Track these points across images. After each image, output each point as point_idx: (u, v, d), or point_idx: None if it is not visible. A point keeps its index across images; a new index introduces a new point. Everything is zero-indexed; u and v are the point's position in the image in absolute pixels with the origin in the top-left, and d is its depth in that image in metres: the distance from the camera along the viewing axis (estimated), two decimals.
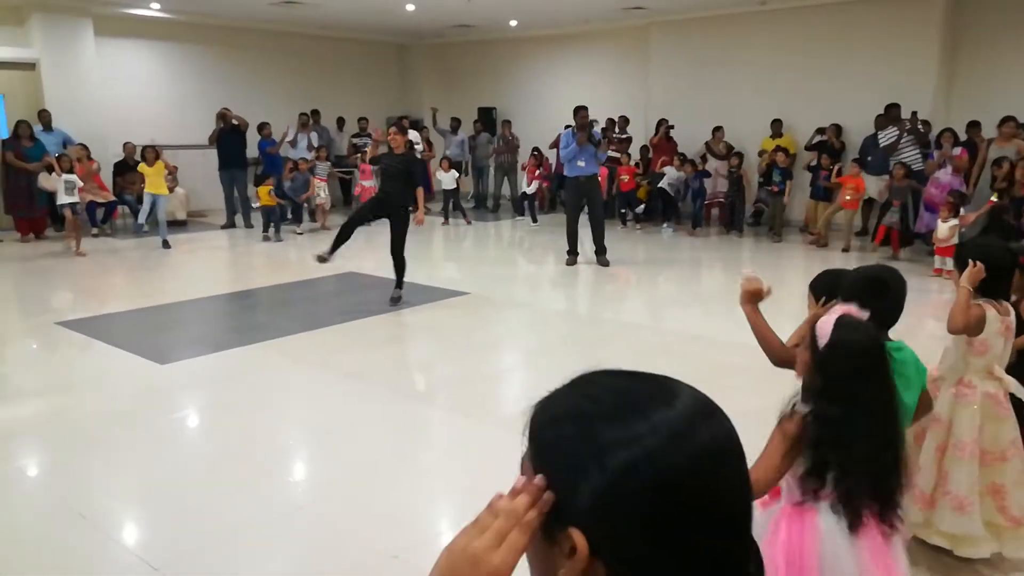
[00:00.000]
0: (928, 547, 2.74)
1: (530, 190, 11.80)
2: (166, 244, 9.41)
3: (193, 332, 6.08)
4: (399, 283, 6.67)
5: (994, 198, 7.53)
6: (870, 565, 1.69)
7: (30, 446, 3.97)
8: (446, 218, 11.87)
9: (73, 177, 9.18)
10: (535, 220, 11.77)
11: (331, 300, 7.03)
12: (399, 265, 6.61)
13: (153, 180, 9.32)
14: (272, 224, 10.12)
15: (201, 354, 5.33)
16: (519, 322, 6.51)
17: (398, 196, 6.50)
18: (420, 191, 6.62)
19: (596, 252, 8.43)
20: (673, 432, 0.63)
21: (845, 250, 9.07)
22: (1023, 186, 7.38)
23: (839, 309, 1.82)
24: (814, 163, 10.03)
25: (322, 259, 6.59)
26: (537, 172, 11.91)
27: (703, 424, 0.65)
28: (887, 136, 9.27)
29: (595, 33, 13.30)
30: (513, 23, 13.12)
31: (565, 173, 8.46)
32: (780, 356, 2.19)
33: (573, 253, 8.50)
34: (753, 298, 2.35)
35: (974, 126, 9.06)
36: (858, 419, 1.68)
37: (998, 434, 2.62)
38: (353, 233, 6.60)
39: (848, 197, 9.28)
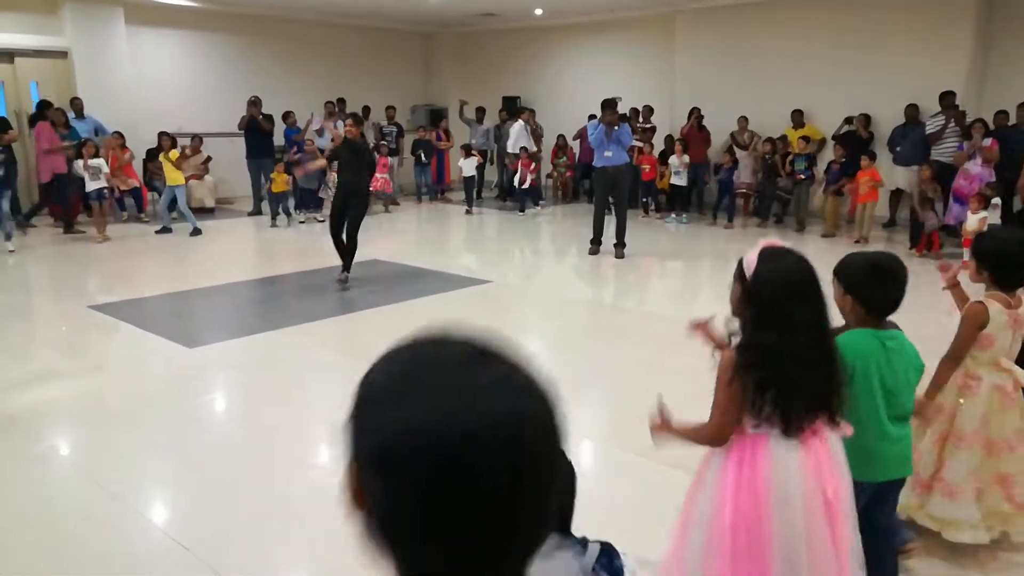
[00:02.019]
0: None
1: (525, 184, 11.72)
2: (196, 231, 9.55)
3: (221, 316, 6.18)
4: (347, 266, 6.83)
5: None
6: (815, 478, 1.78)
7: (62, 427, 4.08)
8: (470, 206, 11.92)
9: (100, 162, 9.32)
10: (523, 210, 11.72)
11: (356, 286, 7.10)
12: (351, 248, 6.79)
13: (170, 169, 9.45)
14: (282, 210, 10.24)
15: (229, 338, 5.43)
16: (541, 311, 6.54)
17: (354, 183, 6.71)
18: (322, 162, 7.19)
19: (615, 244, 8.38)
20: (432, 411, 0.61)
21: (858, 241, 8.97)
22: None
23: (764, 241, 1.86)
24: (839, 159, 9.82)
25: (342, 281, 6.79)
26: (532, 166, 11.85)
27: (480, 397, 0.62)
28: (934, 123, 9.14)
29: (620, 22, 13.20)
30: (538, 11, 13.06)
31: (594, 163, 8.38)
32: (711, 432, 1.92)
33: (596, 243, 8.48)
34: (664, 429, 2.10)
35: (1003, 115, 8.87)
36: (789, 338, 1.75)
37: (1004, 424, 2.66)
38: (343, 240, 6.79)
39: (863, 191, 9.13)
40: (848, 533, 1.84)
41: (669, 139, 11.71)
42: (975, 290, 2.77)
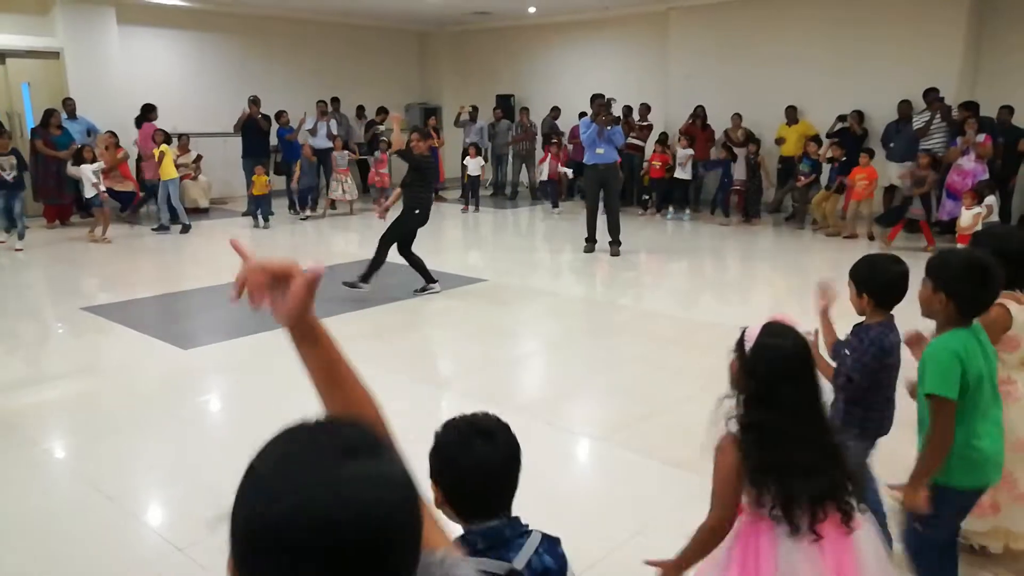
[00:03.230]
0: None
1: (543, 176, 11.80)
2: (186, 228, 9.51)
3: (215, 317, 6.15)
4: (367, 277, 6.54)
5: None
6: (828, 569, 1.68)
7: (56, 429, 4.06)
8: (476, 206, 11.92)
9: (98, 166, 9.28)
10: (556, 205, 11.77)
11: (352, 288, 7.07)
12: (379, 257, 6.55)
13: (164, 163, 9.40)
14: (261, 213, 10.16)
15: (223, 339, 5.41)
16: (537, 309, 6.53)
17: (415, 198, 6.51)
18: (396, 192, 6.72)
19: (609, 242, 8.35)
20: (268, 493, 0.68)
21: (871, 239, 8.93)
22: None
23: (768, 317, 1.83)
24: (830, 156, 9.83)
25: (425, 289, 6.65)
26: (552, 156, 11.90)
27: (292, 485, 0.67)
28: (919, 119, 9.16)
29: (614, 19, 13.20)
30: (532, 10, 13.06)
31: (584, 160, 8.38)
32: (711, 524, 1.86)
33: (591, 241, 8.47)
34: (668, 569, 2.01)
35: (1007, 110, 8.88)
36: (787, 421, 1.70)
37: (1019, 425, 2.59)
38: (413, 254, 6.64)
39: (858, 187, 9.14)
40: None
41: (664, 136, 11.70)
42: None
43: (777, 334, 1.78)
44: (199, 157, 11.09)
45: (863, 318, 2.47)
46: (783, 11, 10.87)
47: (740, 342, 1.82)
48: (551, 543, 1.50)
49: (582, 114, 12.64)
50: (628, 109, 11.74)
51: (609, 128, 8.00)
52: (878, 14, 10.03)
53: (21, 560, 2.82)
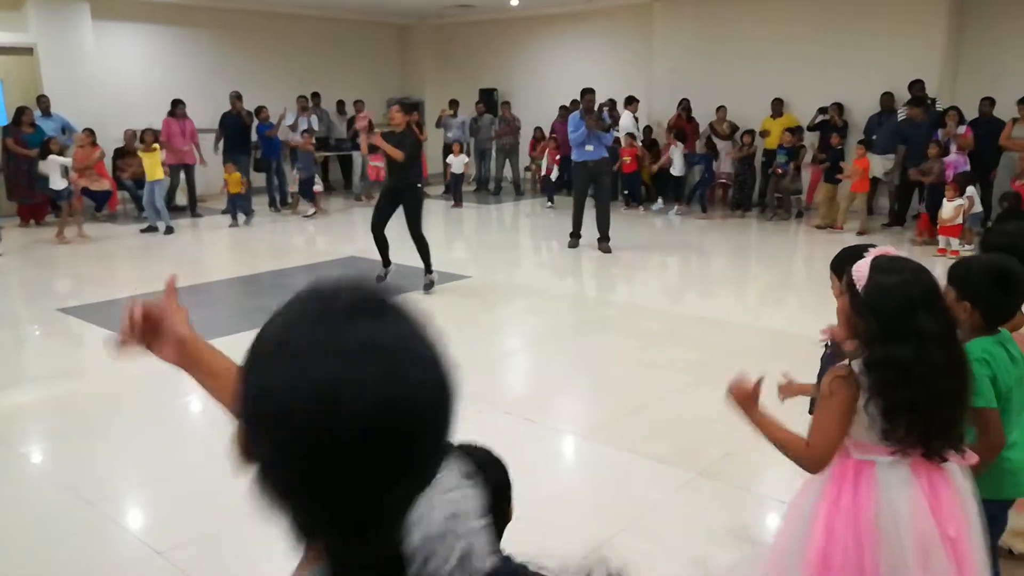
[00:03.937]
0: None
1: (553, 175, 11.67)
2: (169, 230, 9.40)
3: (195, 317, 5.93)
4: (428, 267, 6.48)
5: None
6: (933, 514, 1.66)
7: (33, 432, 3.98)
8: (459, 202, 11.87)
9: (67, 160, 9.11)
10: (551, 200, 11.71)
11: (370, 281, 7.02)
12: (422, 247, 6.45)
13: (151, 165, 9.27)
14: (240, 211, 10.03)
15: (205, 339, 5.32)
16: (521, 306, 6.50)
17: (404, 177, 6.40)
18: (398, 152, 6.37)
19: (599, 239, 8.24)
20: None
21: (861, 233, 8.93)
22: None
23: (874, 251, 1.74)
24: (825, 153, 9.80)
25: (381, 278, 6.50)
26: (551, 152, 11.85)
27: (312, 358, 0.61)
28: (903, 111, 9.23)
29: (598, 12, 13.16)
30: (514, 2, 12.99)
31: (573, 157, 8.29)
32: (812, 454, 1.75)
33: (576, 236, 8.40)
34: (747, 400, 1.93)
35: (988, 102, 8.94)
36: (925, 352, 1.62)
37: None
38: (385, 235, 6.53)
39: (854, 179, 9.17)
40: (975, 565, 1.70)
41: (648, 129, 11.70)
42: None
43: (893, 266, 1.69)
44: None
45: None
46: (768, 4, 10.88)
47: (850, 282, 1.73)
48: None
49: (563, 108, 12.67)
50: (612, 102, 11.71)
51: (604, 132, 7.97)
52: (861, 6, 10.06)
53: None
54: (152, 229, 9.43)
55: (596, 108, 8.00)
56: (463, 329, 5.76)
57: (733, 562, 2.64)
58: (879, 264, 1.70)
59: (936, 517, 1.67)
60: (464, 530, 0.73)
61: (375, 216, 6.50)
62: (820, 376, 2.50)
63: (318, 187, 11.11)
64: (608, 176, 8.46)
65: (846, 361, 1.73)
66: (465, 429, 3.40)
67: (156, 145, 9.36)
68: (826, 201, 9.56)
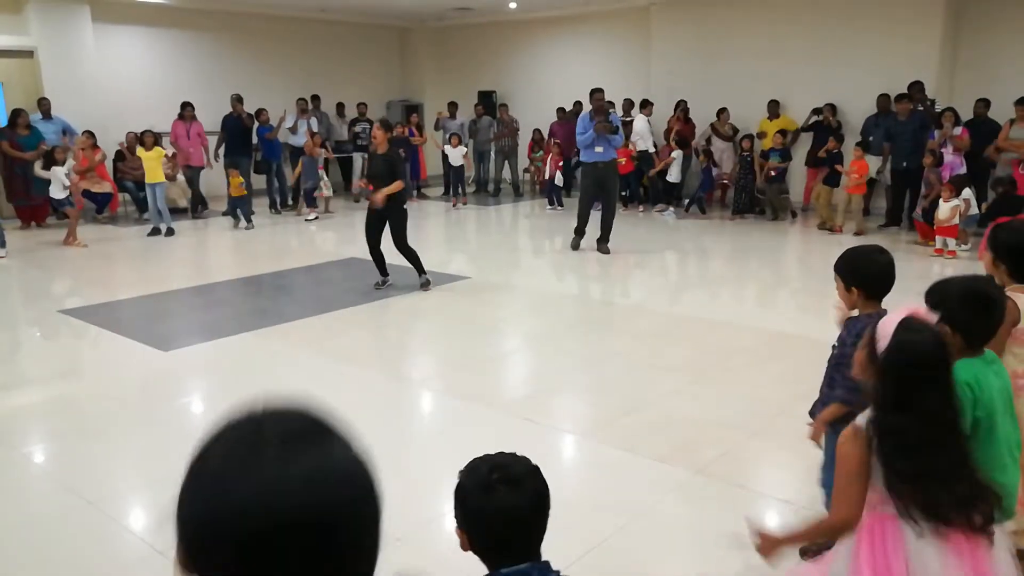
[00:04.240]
0: None
1: (558, 180, 11.63)
2: (170, 231, 9.43)
3: (196, 319, 6.10)
4: (420, 271, 6.68)
5: None
6: (959, 569, 1.64)
7: (35, 433, 4.01)
8: (463, 195, 11.89)
9: (69, 166, 9.10)
10: (552, 203, 11.65)
11: (333, 286, 7.05)
12: (410, 257, 6.63)
13: (151, 167, 9.30)
14: (242, 213, 10.06)
15: (204, 340, 5.36)
16: (521, 306, 6.52)
17: (390, 196, 6.44)
18: (399, 183, 6.53)
19: (599, 239, 8.23)
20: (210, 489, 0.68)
21: (858, 234, 8.95)
22: None
23: (904, 310, 1.72)
24: (825, 153, 9.81)
25: (379, 285, 6.67)
26: (553, 157, 11.86)
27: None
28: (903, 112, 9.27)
29: (595, 15, 13.20)
30: (512, 5, 13.03)
31: (581, 159, 8.21)
32: (839, 518, 1.75)
33: (580, 234, 8.33)
34: (775, 542, 1.93)
35: (983, 103, 8.98)
36: (925, 426, 1.63)
37: None
38: (380, 251, 6.64)
39: (852, 183, 9.19)
40: None
41: None
42: None
43: (917, 332, 1.67)
44: (175, 155, 10.98)
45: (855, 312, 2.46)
46: (763, 6, 10.92)
47: (872, 337, 1.72)
48: None
49: (560, 110, 12.70)
50: (611, 104, 11.73)
51: (612, 135, 7.89)
52: (858, 7, 10.10)
53: (0, 566, 2.78)
54: (157, 231, 9.46)
55: (605, 108, 7.89)
56: (462, 329, 5.79)
57: None
58: (906, 326, 1.68)
59: (967, 567, 1.66)
60: None
61: (368, 236, 6.62)
62: (827, 374, 2.51)
63: (326, 191, 11.15)
64: (616, 179, 8.38)
65: (856, 421, 1.72)
66: (462, 425, 3.49)
67: (157, 147, 9.38)
68: (825, 203, 9.58)
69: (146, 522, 3.14)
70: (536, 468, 1.49)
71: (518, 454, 1.51)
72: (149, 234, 9.46)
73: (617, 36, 13.04)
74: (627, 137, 10.94)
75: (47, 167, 9.03)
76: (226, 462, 0.68)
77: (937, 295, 2.04)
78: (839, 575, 1.79)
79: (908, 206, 9.15)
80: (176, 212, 10.56)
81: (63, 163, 9.04)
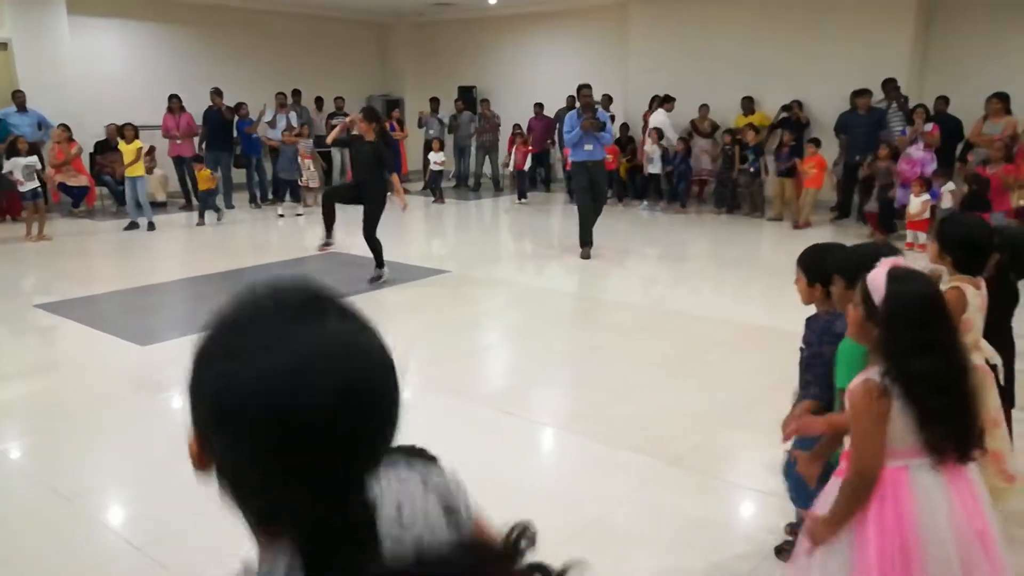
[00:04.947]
0: None
1: (527, 166, 11.81)
2: (151, 226, 9.35)
3: (174, 313, 6.06)
4: (379, 262, 6.67)
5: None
6: (964, 513, 1.70)
7: (11, 428, 3.97)
8: (437, 197, 11.92)
9: (32, 160, 8.92)
10: (522, 196, 11.81)
11: (315, 280, 7.03)
12: (373, 246, 6.61)
13: (130, 159, 9.20)
14: (211, 208, 9.96)
15: (183, 335, 5.32)
16: (501, 300, 6.55)
17: (371, 183, 6.46)
18: (395, 177, 6.60)
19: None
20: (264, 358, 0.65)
21: (799, 226, 9.25)
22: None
23: (887, 261, 1.76)
24: (776, 144, 10.00)
25: (326, 245, 6.64)
26: (526, 148, 11.94)
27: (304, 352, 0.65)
28: (876, 109, 9.47)
29: (574, 11, 13.23)
30: (492, 1, 13.02)
31: (571, 158, 7.97)
32: (858, 474, 1.77)
33: (587, 244, 7.87)
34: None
35: (943, 100, 9.17)
36: (949, 363, 1.68)
37: (987, 402, 2.63)
38: (335, 210, 6.61)
39: (809, 175, 9.34)
40: (1000, 556, 1.75)
41: (625, 127, 11.80)
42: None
43: (909, 278, 1.72)
44: (152, 149, 10.88)
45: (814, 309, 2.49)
46: (739, 2, 11.00)
47: (866, 293, 1.74)
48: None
49: (537, 104, 12.73)
50: (609, 99, 11.78)
51: (598, 132, 7.58)
52: (831, 4, 10.21)
53: None
54: (134, 226, 9.37)
55: (592, 105, 7.64)
56: (442, 323, 5.80)
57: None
58: (896, 276, 1.72)
59: (967, 514, 1.72)
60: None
61: (330, 193, 6.58)
62: (800, 376, 2.55)
63: (312, 183, 11.09)
64: (606, 178, 8.07)
65: (869, 372, 1.74)
66: (442, 419, 3.52)
67: (137, 140, 9.28)
68: (779, 196, 9.74)
69: (123, 517, 3.14)
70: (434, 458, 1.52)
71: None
72: (126, 228, 9.38)
73: (596, 32, 13.08)
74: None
75: (9, 156, 8.87)
76: (264, 330, 0.66)
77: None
78: (847, 533, 1.79)
79: (860, 200, 9.37)
80: (155, 206, 10.47)
81: (25, 153, 8.87)
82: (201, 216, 9.93)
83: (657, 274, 7.67)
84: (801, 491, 2.37)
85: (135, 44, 11.92)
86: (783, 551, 2.63)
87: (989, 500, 1.81)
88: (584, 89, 7.64)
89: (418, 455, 0.97)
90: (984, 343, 2.70)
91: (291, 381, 0.63)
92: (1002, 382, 2.71)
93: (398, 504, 0.78)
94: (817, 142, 9.51)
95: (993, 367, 2.69)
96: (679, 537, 2.89)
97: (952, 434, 1.69)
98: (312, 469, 0.65)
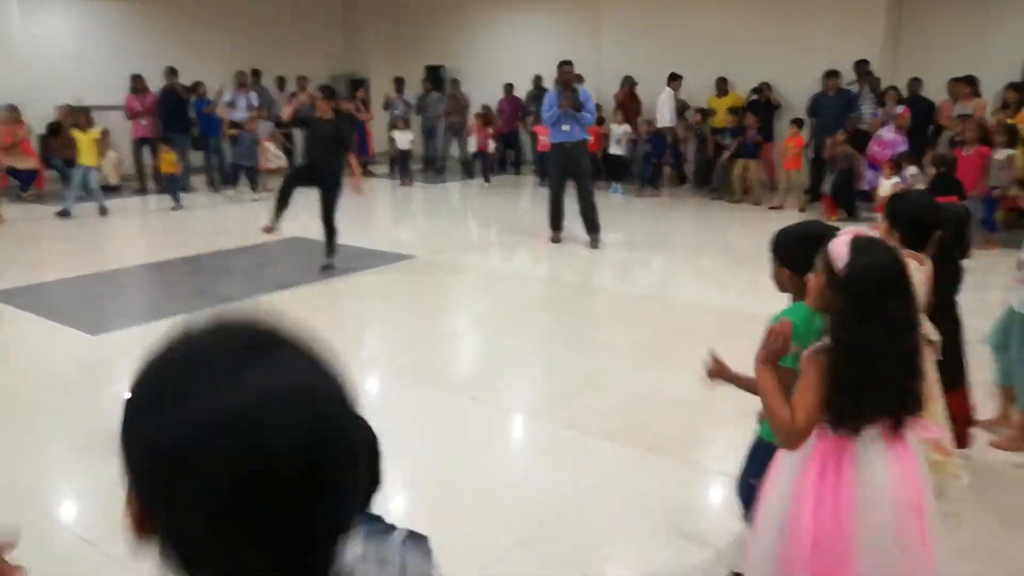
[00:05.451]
0: None
1: (491, 148, 11.68)
2: (104, 211, 9.01)
3: (128, 301, 5.83)
4: (331, 250, 6.43)
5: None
6: (903, 482, 1.73)
7: None
8: (410, 181, 11.70)
9: None
10: (487, 180, 11.67)
11: (274, 266, 6.83)
12: (330, 232, 6.39)
13: (87, 149, 8.84)
14: (171, 192, 9.59)
15: (137, 323, 5.11)
16: (468, 286, 6.42)
17: (329, 163, 6.23)
18: (352, 156, 6.38)
19: (587, 231, 7.50)
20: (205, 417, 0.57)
21: (774, 207, 9.28)
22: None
23: (847, 232, 1.78)
24: (753, 126, 9.99)
25: (268, 229, 6.39)
26: (478, 128, 11.81)
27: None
28: (853, 87, 9.50)
29: None
30: None
31: (549, 139, 7.66)
32: (795, 427, 1.75)
33: (557, 229, 7.64)
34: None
35: (917, 82, 9.22)
36: (886, 336, 1.69)
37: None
38: (290, 198, 6.38)
39: (789, 156, 9.35)
40: (933, 530, 1.79)
41: (597, 107, 11.67)
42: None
43: (872, 247, 1.74)
44: (106, 132, 10.48)
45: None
46: None
47: (827, 260, 1.76)
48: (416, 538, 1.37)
49: (508, 85, 12.55)
50: (579, 78, 11.58)
51: (576, 112, 7.24)
52: None
53: None
54: (66, 214, 8.95)
55: (573, 83, 7.33)
56: (409, 309, 5.67)
57: (723, 547, 2.65)
58: (858, 245, 1.73)
59: (906, 487, 1.75)
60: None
61: (288, 181, 6.36)
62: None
63: (274, 163, 10.79)
64: (588, 160, 7.62)
65: (824, 339, 1.76)
66: (408, 407, 3.35)
67: (93, 129, 8.92)
68: (740, 177, 9.76)
69: (75, 512, 3.01)
70: (363, 422, 1.48)
71: None
72: (58, 214, 8.89)
73: (568, 11, 12.91)
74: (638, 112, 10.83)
75: None
76: (214, 370, 0.58)
77: (775, 240, 2.22)
78: (784, 489, 1.83)
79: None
80: (108, 190, 10.14)
81: None
82: (175, 198, 9.56)
83: (630, 259, 7.59)
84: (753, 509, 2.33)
85: (86, 21, 11.46)
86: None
87: (928, 474, 1.85)
88: (564, 66, 7.36)
89: (411, 536, 0.94)
90: (925, 319, 2.74)
91: (253, 422, 0.56)
92: (941, 357, 2.74)
93: None
94: (799, 123, 9.46)
95: (932, 343, 2.74)
96: (653, 523, 2.84)
97: (880, 406, 1.71)
98: (277, 526, 0.58)
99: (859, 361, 1.69)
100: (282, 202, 6.35)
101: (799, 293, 2.14)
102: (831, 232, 2.21)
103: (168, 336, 0.62)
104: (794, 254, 2.14)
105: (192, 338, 0.62)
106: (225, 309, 0.63)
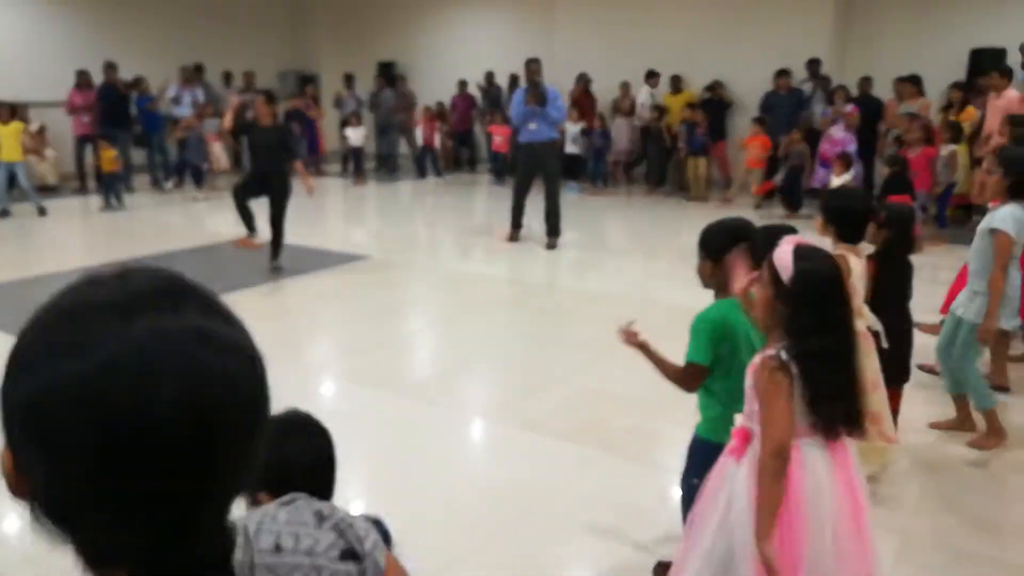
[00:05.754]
0: None
1: (436, 143, 11.62)
2: (42, 211, 8.64)
3: None
4: (276, 253, 6.27)
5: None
6: (842, 486, 1.77)
7: None
8: (356, 178, 11.52)
9: None
10: (440, 174, 11.56)
11: (223, 268, 6.62)
12: (278, 235, 6.22)
13: (9, 144, 8.45)
14: (113, 192, 9.26)
15: None
16: (422, 286, 6.32)
17: (275, 172, 6.05)
18: (299, 163, 6.25)
19: (547, 232, 7.42)
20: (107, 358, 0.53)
21: (724, 200, 9.43)
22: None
23: (788, 241, 1.78)
24: (701, 124, 10.09)
25: (247, 241, 6.25)
26: (424, 123, 11.70)
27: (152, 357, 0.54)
28: (808, 85, 9.68)
29: None
30: None
31: (519, 139, 7.56)
32: (775, 449, 1.75)
33: (516, 227, 7.57)
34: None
35: (867, 81, 9.38)
36: (844, 342, 1.73)
37: (867, 367, 2.76)
38: (248, 206, 6.20)
39: (751, 155, 9.44)
40: (868, 525, 1.83)
41: None
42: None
43: (814, 254, 1.75)
44: (43, 128, 10.08)
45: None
46: None
47: (774, 272, 1.75)
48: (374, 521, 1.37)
49: (461, 82, 12.44)
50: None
51: (540, 108, 7.09)
52: None
53: None
54: (5, 214, 8.59)
55: (538, 81, 7.21)
56: (362, 310, 5.55)
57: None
58: (803, 254, 1.74)
59: (846, 489, 1.78)
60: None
61: (238, 192, 6.17)
62: None
63: (219, 164, 10.49)
64: (556, 160, 7.56)
65: (772, 351, 1.74)
66: (366, 413, 3.22)
67: (16, 121, 8.52)
68: (693, 175, 9.87)
69: (22, 525, 2.85)
70: (318, 425, 1.56)
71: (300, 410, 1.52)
72: (39, 213, 8.56)
73: (521, 7, 12.83)
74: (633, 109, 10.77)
75: None
76: (99, 322, 0.54)
77: (703, 235, 2.25)
78: (737, 492, 1.81)
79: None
80: (46, 190, 9.74)
81: None
82: (106, 199, 9.22)
83: (585, 257, 7.55)
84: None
85: (22, 14, 10.98)
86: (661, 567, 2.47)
87: (862, 472, 1.90)
88: (532, 64, 7.26)
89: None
90: (866, 309, 2.89)
91: (127, 382, 0.52)
92: (884, 345, 2.90)
93: (278, 535, 0.67)
94: (761, 121, 9.53)
95: (875, 333, 2.89)
96: (611, 523, 2.82)
97: (842, 413, 1.75)
98: (153, 497, 0.54)
99: (831, 367, 1.71)
100: (243, 213, 6.17)
101: (721, 289, 2.21)
102: (758, 228, 2.26)
103: (69, 282, 0.58)
104: (721, 247, 2.17)
105: (86, 285, 0.58)
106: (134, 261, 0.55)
